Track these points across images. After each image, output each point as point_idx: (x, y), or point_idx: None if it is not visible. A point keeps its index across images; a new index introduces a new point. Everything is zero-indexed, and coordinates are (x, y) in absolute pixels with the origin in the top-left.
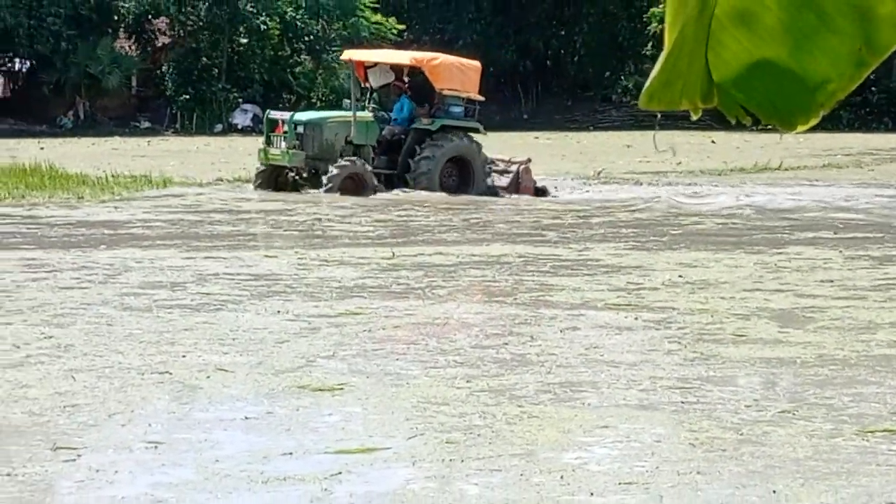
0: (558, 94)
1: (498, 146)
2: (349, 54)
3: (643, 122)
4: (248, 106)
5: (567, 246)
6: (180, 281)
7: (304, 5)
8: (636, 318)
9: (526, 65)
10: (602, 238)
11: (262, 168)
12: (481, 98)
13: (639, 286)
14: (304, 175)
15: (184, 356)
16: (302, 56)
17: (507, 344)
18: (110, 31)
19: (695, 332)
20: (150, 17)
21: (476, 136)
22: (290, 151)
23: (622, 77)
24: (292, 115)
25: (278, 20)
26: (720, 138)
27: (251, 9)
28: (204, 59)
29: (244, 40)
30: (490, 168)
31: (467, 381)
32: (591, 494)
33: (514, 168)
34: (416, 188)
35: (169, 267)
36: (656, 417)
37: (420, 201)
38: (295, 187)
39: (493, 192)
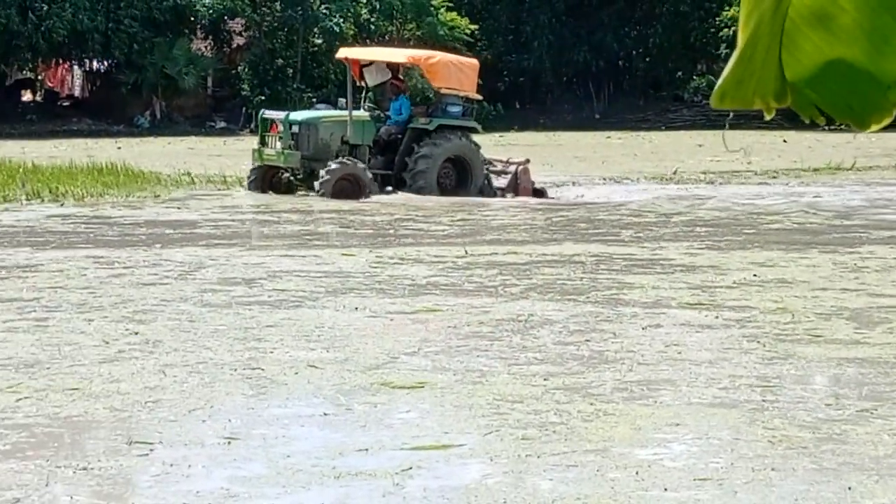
0: (630, 94)
1: (568, 146)
2: (344, 52)
3: (715, 121)
4: (321, 105)
5: (640, 245)
6: (255, 278)
7: (378, 7)
8: (717, 317)
9: (598, 64)
10: (675, 237)
11: (256, 168)
12: (479, 97)
13: (714, 285)
14: (300, 175)
15: (272, 352)
16: None
17: (588, 341)
18: (187, 32)
19: (773, 331)
20: (225, 18)
21: (474, 136)
22: (285, 152)
23: (694, 76)
24: (287, 115)
25: (352, 21)
26: (792, 137)
27: (325, 10)
28: (279, 59)
29: (318, 41)
30: (488, 168)
31: (545, 379)
32: (665, 490)
33: (512, 168)
34: (413, 189)
35: (243, 264)
36: (733, 415)
37: (485, 203)
38: (289, 188)
39: (492, 192)
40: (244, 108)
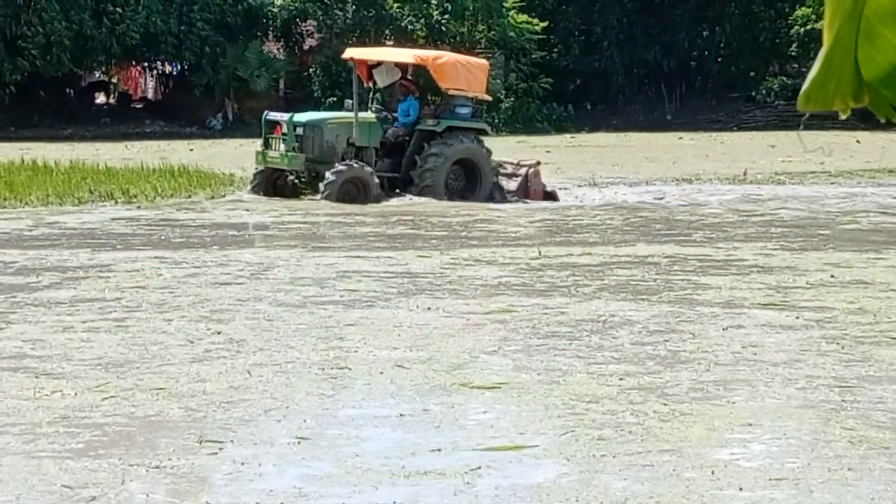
0: (702, 95)
1: (639, 147)
2: (350, 52)
3: (787, 122)
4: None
5: (714, 246)
6: (325, 278)
7: (450, 9)
8: (797, 318)
9: (670, 65)
10: (748, 238)
11: (260, 171)
12: (489, 98)
13: (791, 286)
14: (304, 178)
15: (356, 351)
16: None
17: (666, 341)
18: (259, 34)
19: (851, 333)
20: (297, 20)
21: (484, 138)
22: (289, 154)
23: (766, 77)
24: (291, 116)
25: (424, 22)
26: (865, 138)
27: (397, 11)
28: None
29: (390, 43)
30: (498, 171)
31: (620, 379)
32: (741, 490)
33: (522, 171)
34: (421, 192)
35: (314, 265)
36: (810, 415)
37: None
38: (294, 192)
39: (502, 196)
40: (316, 110)
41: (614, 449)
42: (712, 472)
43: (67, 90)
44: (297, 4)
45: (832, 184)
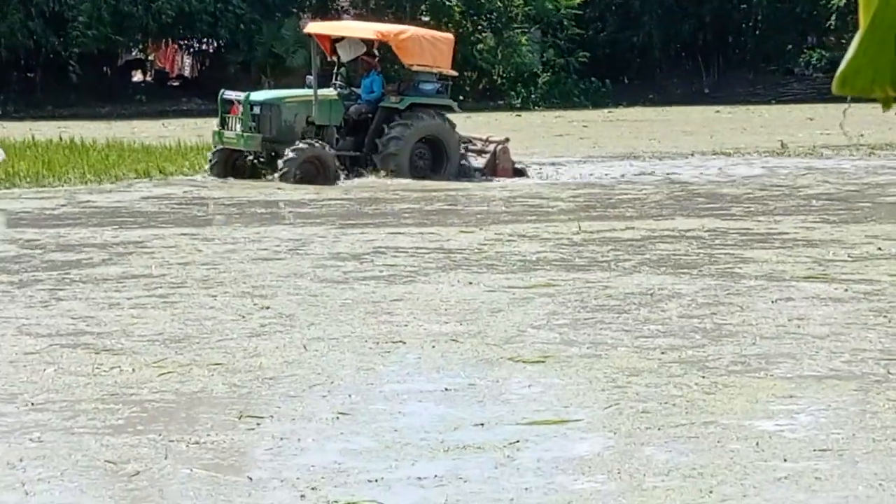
0: (740, 68)
1: (677, 121)
2: (312, 27)
3: (826, 94)
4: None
5: (754, 219)
6: (362, 253)
7: None
8: (845, 290)
9: (707, 38)
10: (788, 211)
11: (218, 151)
12: (454, 73)
13: (835, 259)
14: (263, 159)
15: (406, 325)
16: (483, 33)
17: (714, 314)
18: (295, 11)
19: None
20: None
21: (450, 115)
22: (245, 135)
23: (804, 49)
24: (247, 95)
25: None
26: None
27: None
28: None
29: (426, 18)
30: (467, 147)
31: (662, 353)
32: (785, 461)
33: (490, 148)
34: (384, 171)
35: (350, 241)
36: (855, 388)
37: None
38: (254, 172)
39: (468, 173)
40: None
41: (658, 422)
42: (757, 444)
43: (104, 68)
44: None
45: (871, 156)
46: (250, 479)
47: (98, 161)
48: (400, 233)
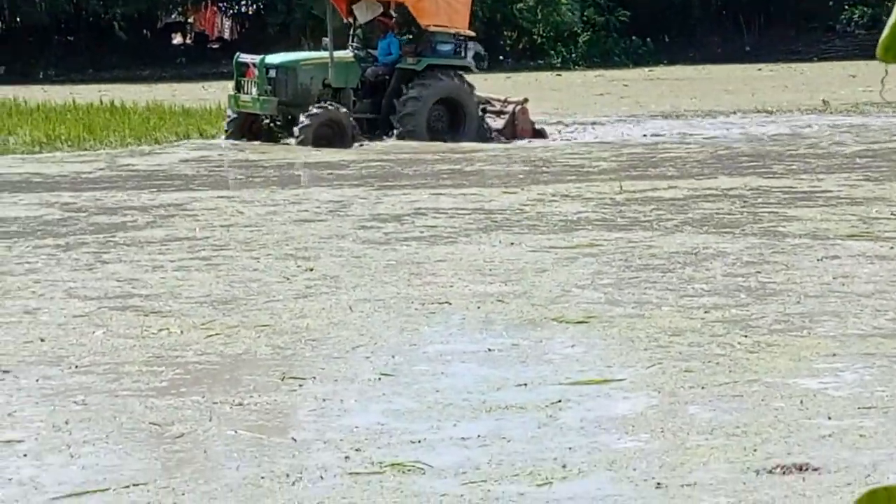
0: (781, 25)
1: (718, 79)
2: None
3: (868, 51)
4: (469, 44)
5: (797, 178)
6: (402, 214)
7: None
8: (892, 248)
9: None
10: (830, 169)
11: (233, 116)
12: (472, 34)
13: (880, 217)
14: (279, 122)
15: (451, 286)
16: None
17: (759, 273)
18: None
19: None
20: None
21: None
22: (261, 98)
23: (846, 6)
24: (262, 58)
25: None
26: None
27: None
28: None
29: None
30: (485, 108)
31: (706, 312)
32: (829, 418)
33: (509, 109)
34: (402, 133)
35: (390, 202)
36: None
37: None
38: (270, 136)
39: (487, 135)
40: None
41: (702, 381)
42: (801, 402)
43: (144, 31)
44: None
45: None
46: (294, 440)
47: (139, 124)
48: (441, 194)
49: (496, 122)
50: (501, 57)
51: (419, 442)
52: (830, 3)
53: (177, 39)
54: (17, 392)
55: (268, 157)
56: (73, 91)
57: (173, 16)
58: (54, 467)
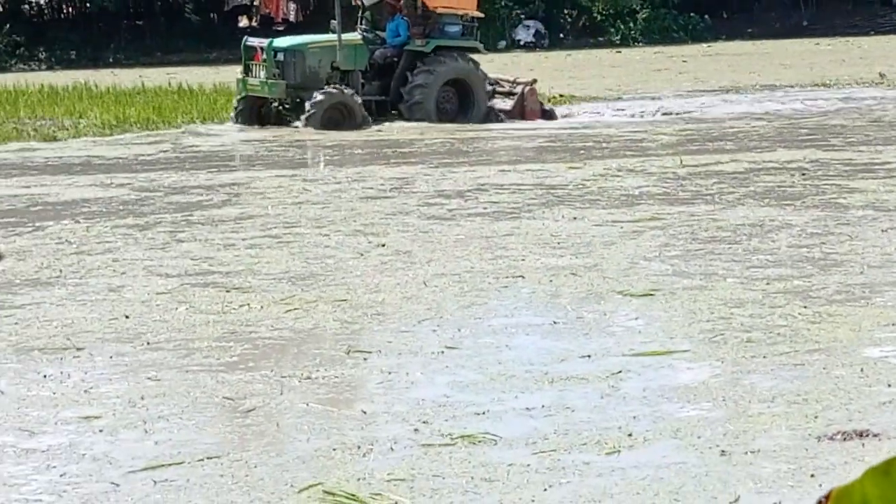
0: (838, 0)
1: (776, 54)
2: None
3: None
4: (530, 22)
5: (856, 150)
6: (464, 190)
7: None
8: None
9: None
10: (888, 141)
11: (242, 98)
12: (480, 14)
13: None
14: (288, 105)
15: (523, 259)
16: None
17: (823, 244)
18: None
19: None
20: None
21: (476, 57)
22: (269, 81)
23: None
24: (270, 42)
25: None
26: None
27: None
28: None
29: None
30: (493, 90)
31: (767, 283)
32: (889, 385)
33: (518, 90)
34: (411, 115)
35: (451, 179)
36: None
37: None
38: (279, 119)
39: (496, 116)
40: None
41: (763, 350)
42: (861, 370)
43: (211, 15)
44: None
45: None
46: (364, 412)
47: (206, 105)
48: (504, 170)
49: (505, 104)
50: (562, 35)
51: (484, 413)
52: None
53: (243, 22)
54: (91, 369)
55: (325, 137)
56: (142, 74)
57: None
58: (129, 442)
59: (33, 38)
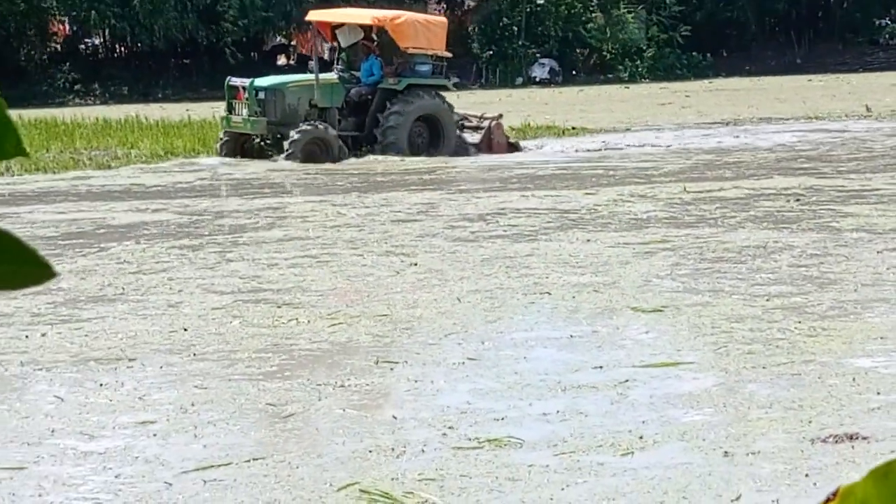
0: (829, 40)
1: (771, 89)
2: (313, 15)
3: None
4: (545, 60)
5: (846, 178)
6: (485, 214)
7: None
8: None
9: (799, 13)
10: (875, 170)
11: (225, 135)
12: (449, 55)
13: None
14: (269, 141)
15: (547, 277)
16: (594, 13)
17: (822, 264)
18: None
19: None
20: None
21: (446, 94)
22: (251, 119)
23: (887, 22)
24: (252, 81)
25: None
26: None
27: None
28: (504, 19)
29: (541, 1)
30: (463, 124)
31: (766, 300)
32: (878, 393)
33: (485, 124)
34: (385, 150)
35: (473, 204)
36: None
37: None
38: (261, 154)
39: (464, 149)
40: (475, 65)
41: (763, 361)
42: (853, 379)
43: (252, 53)
44: None
45: None
46: (394, 417)
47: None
48: (522, 196)
49: (473, 137)
50: (574, 72)
51: (503, 419)
52: (873, 19)
53: (281, 60)
54: (144, 379)
55: (347, 166)
56: (188, 108)
57: (278, 39)
58: (180, 445)
59: (89, 76)
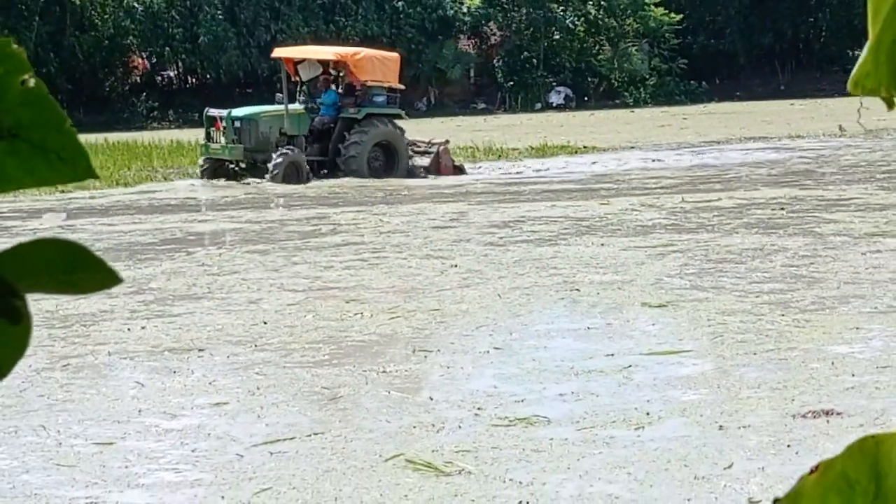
0: (809, 69)
1: (759, 113)
2: (278, 52)
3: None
4: (560, 88)
5: (825, 188)
6: (508, 221)
7: (603, 5)
8: None
9: (782, 46)
10: (850, 182)
11: (205, 161)
12: (402, 87)
13: None
14: (243, 166)
15: (574, 276)
16: (603, 46)
17: (812, 264)
18: (454, 34)
19: None
20: (483, 22)
21: (399, 122)
22: (229, 146)
23: (860, 53)
24: (229, 112)
25: (583, 19)
26: None
27: (561, 12)
28: (525, 52)
29: (557, 36)
30: (413, 149)
31: (756, 296)
32: (853, 375)
33: (434, 149)
34: (346, 172)
35: (498, 213)
36: None
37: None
38: (236, 177)
39: (415, 171)
40: (499, 92)
41: (753, 349)
42: (832, 364)
43: None
44: (482, 10)
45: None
46: (431, 398)
47: None
48: (544, 205)
49: (422, 161)
50: (586, 98)
51: (523, 401)
52: (848, 51)
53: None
54: (213, 366)
55: (371, 183)
56: None
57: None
58: (246, 424)
59: (164, 103)
